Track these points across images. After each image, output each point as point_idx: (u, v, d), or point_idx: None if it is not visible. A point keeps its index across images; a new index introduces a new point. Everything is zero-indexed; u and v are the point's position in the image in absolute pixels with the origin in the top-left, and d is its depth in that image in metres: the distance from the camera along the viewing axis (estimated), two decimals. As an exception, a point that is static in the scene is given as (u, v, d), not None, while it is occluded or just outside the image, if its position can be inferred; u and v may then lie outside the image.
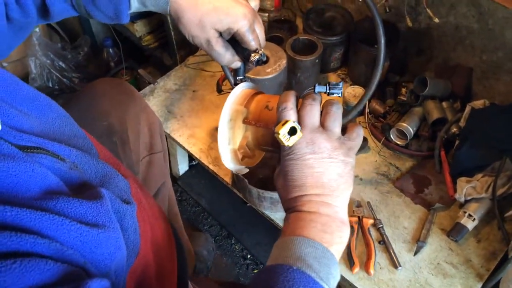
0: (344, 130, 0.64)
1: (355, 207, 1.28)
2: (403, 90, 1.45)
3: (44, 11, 0.75)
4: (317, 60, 1.42)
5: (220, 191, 1.74)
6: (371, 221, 1.25)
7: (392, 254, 1.19)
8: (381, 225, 1.24)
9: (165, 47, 1.84)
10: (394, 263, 1.18)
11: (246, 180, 1.21)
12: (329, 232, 0.59)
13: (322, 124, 0.63)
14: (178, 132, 1.47)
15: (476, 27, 1.31)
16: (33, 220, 0.44)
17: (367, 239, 1.22)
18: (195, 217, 1.76)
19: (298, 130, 0.60)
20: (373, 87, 1.10)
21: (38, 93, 0.64)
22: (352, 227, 1.24)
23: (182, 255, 0.80)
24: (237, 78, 0.81)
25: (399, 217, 1.27)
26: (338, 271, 0.58)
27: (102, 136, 0.98)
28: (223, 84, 1.52)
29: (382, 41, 0.96)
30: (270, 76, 1.28)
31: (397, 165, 1.39)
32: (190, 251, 1.46)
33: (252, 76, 1.28)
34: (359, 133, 0.64)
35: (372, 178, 1.36)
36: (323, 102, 0.66)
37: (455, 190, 1.26)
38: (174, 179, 1.84)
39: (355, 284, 1.16)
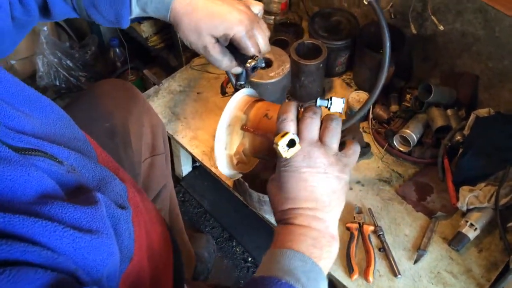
0: (341, 146, 0.65)
1: (356, 213, 1.28)
2: (408, 96, 1.45)
3: (45, 11, 0.76)
4: (321, 65, 1.41)
5: (222, 193, 1.74)
6: (372, 228, 1.25)
7: (392, 262, 1.19)
8: (381, 232, 1.23)
9: (171, 48, 1.85)
10: (394, 271, 1.17)
11: (247, 184, 1.21)
12: (318, 247, 0.60)
13: (321, 139, 0.63)
14: (181, 134, 1.47)
15: (482, 34, 1.30)
16: (25, 227, 0.44)
17: (367, 246, 1.21)
18: (197, 218, 1.76)
19: (297, 143, 0.60)
20: (377, 92, 1.09)
21: (40, 94, 0.65)
22: (352, 234, 1.23)
23: (179, 260, 0.80)
24: (238, 83, 0.81)
25: (400, 225, 1.27)
26: (326, 285, 0.58)
27: (104, 137, 0.99)
28: (228, 87, 1.52)
29: (388, 45, 0.95)
30: (273, 80, 1.28)
31: (399, 171, 1.38)
32: (190, 253, 1.46)
33: (255, 80, 1.28)
34: (355, 151, 0.65)
35: (374, 184, 1.35)
36: (323, 115, 0.66)
37: (457, 199, 1.25)
38: (178, 179, 1.85)
39: (354, 291, 1.16)
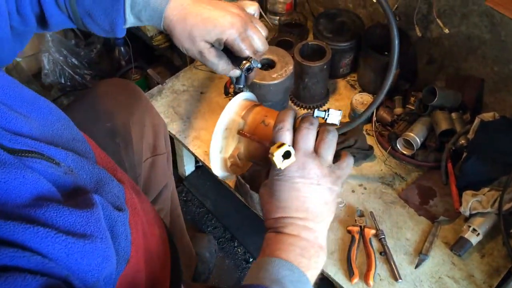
0: (335, 157, 0.65)
1: (358, 216, 1.27)
2: (412, 99, 1.44)
3: (43, 21, 0.76)
4: (325, 66, 1.40)
5: (225, 194, 1.73)
6: (373, 231, 1.24)
7: (393, 266, 1.18)
8: (383, 236, 1.23)
9: (175, 47, 1.82)
10: (395, 275, 1.17)
11: (248, 186, 1.21)
12: (307, 257, 0.61)
13: (316, 150, 0.63)
14: (183, 134, 1.47)
15: (488, 38, 1.28)
16: (16, 233, 0.44)
17: (368, 250, 1.21)
18: (199, 218, 1.76)
19: (292, 155, 0.60)
20: (382, 95, 1.08)
21: (38, 96, 0.65)
22: (353, 237, 1.22)
23: (176, 261, 0.80)
24: (237, 87, 0.81)
25: (402, 228, 1.26)
26: None
27: (105, 137, 0.99)
28: (231, 87, 1.52)
29: (396, 44, 0.93)
30: (276, 81, 1.28)
31: (402, 175, 1.37)
32: (191, 253, 1.46)
33: (257, 81, 1.27)
34: (349, 164, 0.66)
35: (376, 187, 1.34)
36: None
37: (460, 203, 1.24)
38: (180, 179, 1.85)
39: (354, 295, 1.15)
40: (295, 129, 0.64)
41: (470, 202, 1.21)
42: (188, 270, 1.46)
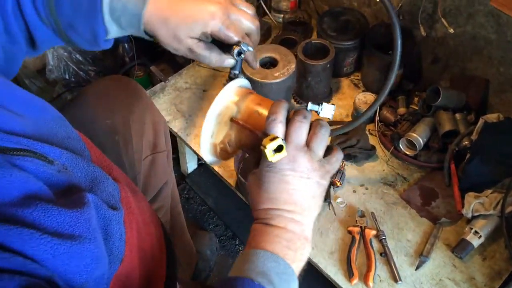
0: (326, 151, 0.65)
1: (359, 216, 1.26)
2: (416, 99, 1.42)
3: (31, 38, 0.74)
4: (328, 65, 1.39)
5: (227, 191, 1.73)
6: (374, 232, 1.23)
7: (393, 267, 1.17)
8: (383, 237, 1.22)
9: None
10: (395, 277, 1.16)
11: (249, 184, 1.20)
12: (293, 249, 0.61)
13: (308, 144, 0.63)
14: (185, 132, 1.47)
15: (494, 38, 1.27)
16: None
17: (368, 251, 1.20)
18: (201, 216, 1.76)
19: (284, 149, 0.61)
20: (383, 95, 1.07)
21: (32, 95, 0.65)
22: (354, 238, 1.22)
23: (172, 260, 0.80)
24: (233, 72, 0.79)
25: (403, 230, 1.25)
26: (296, 286, 0.60)
27: (105, 134, 0.99)
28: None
29: (399, 45, 0.91)
30: (278, 80, 1.27)
31: (404, 175, 1.36)
32: (191, 250, 1.46)
33: (259, 80, 1.27)
34: (338, 159, 0.66)
35: (378, 188, 1.33)
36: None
37: (463, 205, 1.23)
38: (183, 176, 1.85)
39: (353, 296, 1.15)
40: (288, 121, 0.64)
41: (472, 204, 1.20)
42: (189, 268, 1.46)
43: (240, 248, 1.68)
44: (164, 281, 0.75)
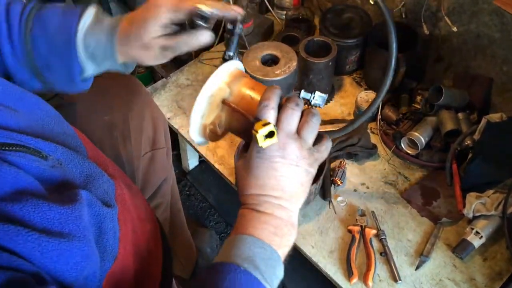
0: (316, 139, 0.66)
1: (359, 215, 1.25)
2: (419, 98, 1.41)
3: (11, 81, 0.73)
4: (330, 63, 1.39)
5: (228, 189, 1.72)
6: (374, 231, 1.22)
7: (393, 267, 1.16)
8: (384, 236, 1.21)
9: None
10: (394, 277, 1.15)
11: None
12: (279, 235, 0.62)
13: (298, 131, 0.64)
14: (186, 128, 1.47)
15: (498, 37, 1.26)
16: None
17: (368, 250, 1.19)
18: (201, 213, 1.76)
19: (275, 135, 0.61)
20: (382, 94, 1.06)
21: (25, 91, 0.65)
22: (353, 237, 1.21)
23: (168, 257, 0.79)
24: (227, 53, 0.78)
25: (404, 229, 1.24)
26: (282, 271, 0.61)
27: (103, 130, 0.99)
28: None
29: (394, 47, 0.91)
30: (279, 77, 1.26)
31: (406, 175, 1.35)
32: (191, 247, 1.46)
33: (260, 77, 1.26)
34: (328, 147, 0.67)
35: (379, 187, 1.33)
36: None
37: (464, 205, 1.22)
38: (184, 173, 1.85)
39: (352, 295, 1.14)
40: (280, 108, 0.64)
41: (474, 204, 1.19)
42: (189, 265, 1.46)
43: (241, 245, 1.67)
44: (160, 277, 0.74)
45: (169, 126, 1.43)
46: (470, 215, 1.20)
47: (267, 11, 1.78)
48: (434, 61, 1.48)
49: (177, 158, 1.84)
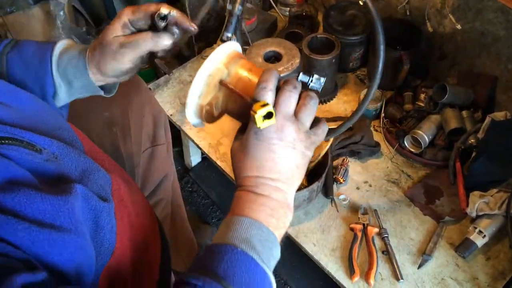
0: (313, 122, 0.66)
1: (361, 214, 1.25)
2: (423, 95, 1.40)
3: None
4: (333, 60, 1.38)
5: (230, 186, 1.72)
6: (376, 229, 1.22)
7: (395, 265, 1.16)
8: (386, 235, 1.20)
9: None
10: (396, 275, 1.14)
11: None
12: (276, 217, 0.62)
13: (296, 114, 0.64)
14: (188, 125, 1.46)
15: (503, 35, 1.24)
16: None
17: (370, 248, 1.19)
18: (204, 210, 1.76)
19: (274, 116, 0.61)
20: (372, 90, 1.04)
21: (17, 88, 0.66)
22: (356, 235, 1.20)
23: (166, 252, 0.79)
24: (226, 35, 0.77)
25: (406, 228, 1.23)
26: (279, 252, 0.62)
27: (103, 126, 0.98)
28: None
29: (382, 49, 0.89)
30: (282, 75, 1.26)
31: (409, 173, 1.34)
32: (192, 243, 1.45)
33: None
34: (324, 130, 0.67)
35: (382, 185, 1.32)
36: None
37: (467, 204, 1.21)
38: (186, 170, 1.85)
39: (354, 293, 1.14)
40: (278, 90, 0.64)
41: (477, 203, 1.18)
42: (189, 261, 1.45)
43: (242, 242, 1.67)
44: (158, 273, 0.74)
45: (171, 123, 1.43)
46: (473, 214, 1.19)
47: (270, 8, 1.78)
48: (438, 59, 1.47)
49: (180, 155, 1.83)
